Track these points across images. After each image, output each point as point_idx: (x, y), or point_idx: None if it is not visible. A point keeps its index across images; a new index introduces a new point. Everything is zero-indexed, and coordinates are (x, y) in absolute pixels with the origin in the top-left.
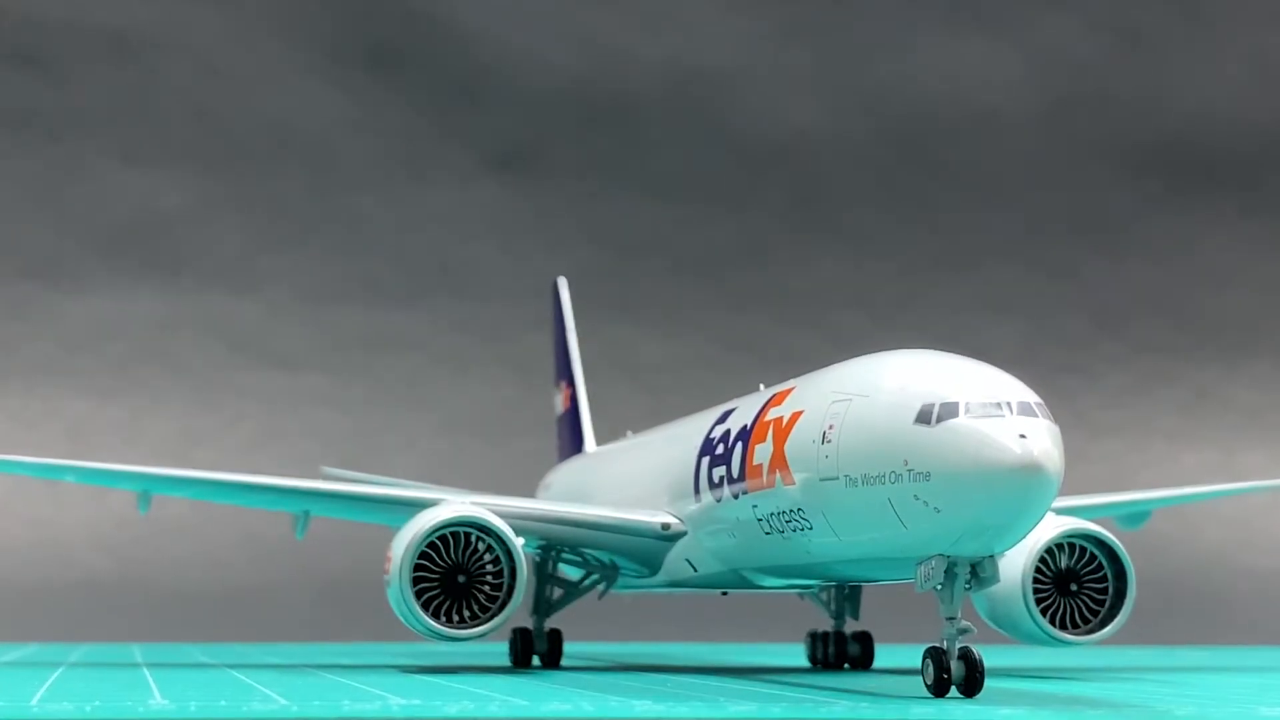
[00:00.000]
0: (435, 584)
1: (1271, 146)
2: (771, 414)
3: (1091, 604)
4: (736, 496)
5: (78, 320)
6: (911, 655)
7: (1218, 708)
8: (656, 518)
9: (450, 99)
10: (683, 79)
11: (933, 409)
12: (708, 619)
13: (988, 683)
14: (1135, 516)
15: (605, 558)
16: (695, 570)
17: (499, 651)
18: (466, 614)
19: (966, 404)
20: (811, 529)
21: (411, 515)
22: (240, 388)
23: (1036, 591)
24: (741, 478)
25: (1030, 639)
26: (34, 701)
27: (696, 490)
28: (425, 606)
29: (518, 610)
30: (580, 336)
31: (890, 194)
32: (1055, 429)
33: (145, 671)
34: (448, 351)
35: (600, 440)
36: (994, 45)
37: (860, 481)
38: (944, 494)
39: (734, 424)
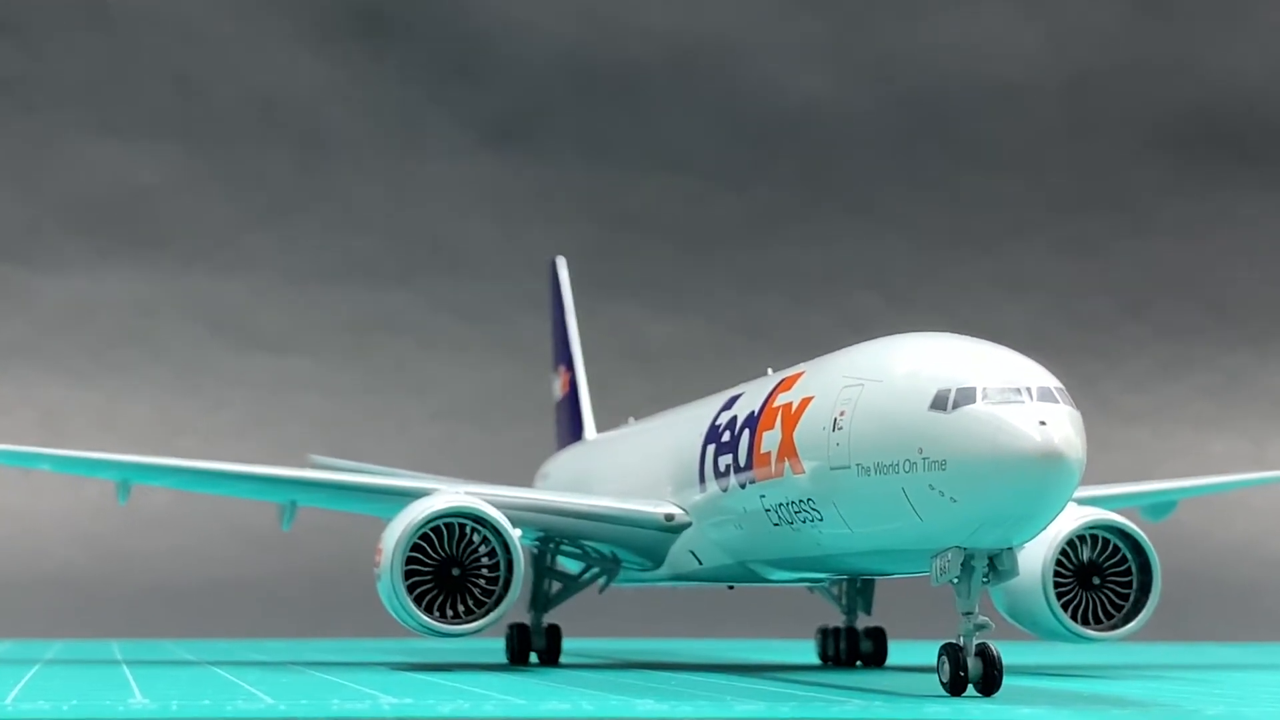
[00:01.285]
0: (428, 577)
1: None
2: (780, 399)
3: (1115, 598)
4: (743, 486)
5: (52, 300)
6: (927, 652)
7: (1249, 706)
8: (660, 508)
9: (444, 69)
10: (688, 48)
11: (949, 394)
12: (713, 614)
13: (1006, 681)
14: (1160, 507)
15: (606, 550)
16: (700, 563)
17: (495, 648)
18: (461, 609)
19: (984, 389)
20: (822, 520)
21: (403, 505)
22: (224, 372)
23: (1057, 585)
24: (749, 466)
25: (1051, 635)
26: (9, 700)
27: (701, 479)
28: (418, 601)
29: (514, 605)
30: (580, 318)
31: (905, 169)
32: (1077, 415)
33: (125, 669)
34: (441, 334)
35: (601, 427)
36: (1013, 13)
37: (873, 470)
38: (960, 483)
39: (741, 410)
